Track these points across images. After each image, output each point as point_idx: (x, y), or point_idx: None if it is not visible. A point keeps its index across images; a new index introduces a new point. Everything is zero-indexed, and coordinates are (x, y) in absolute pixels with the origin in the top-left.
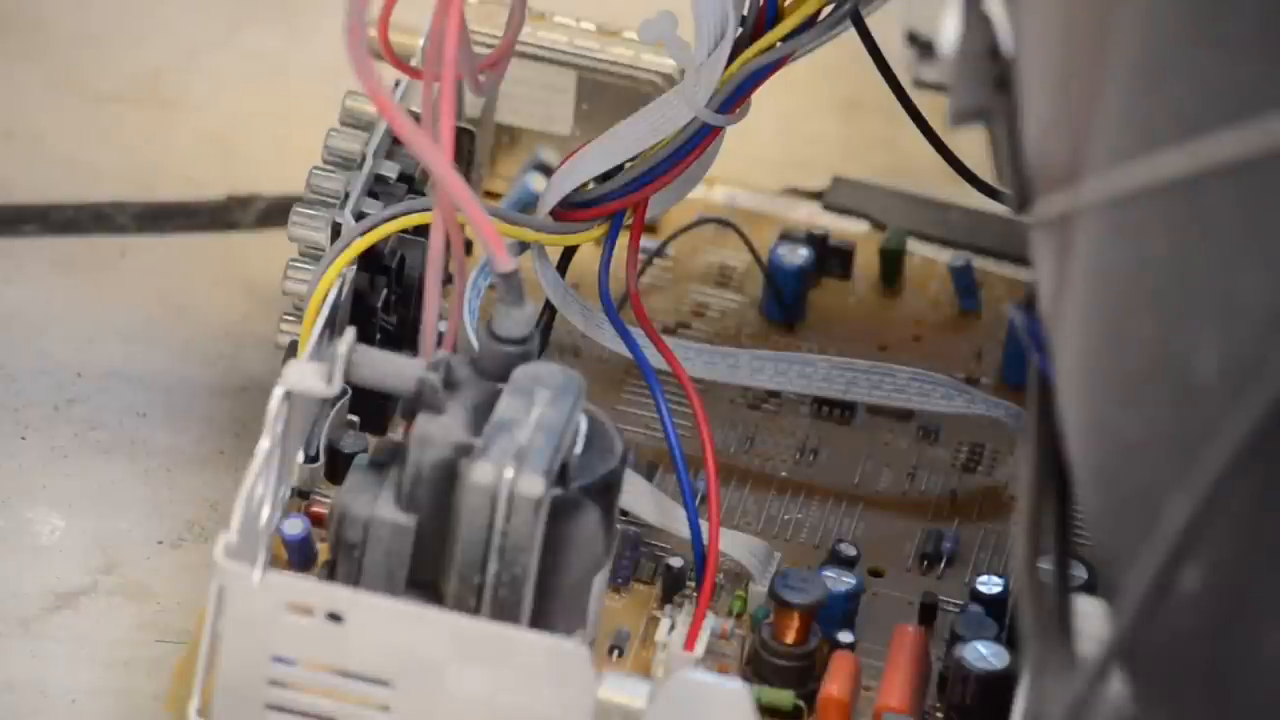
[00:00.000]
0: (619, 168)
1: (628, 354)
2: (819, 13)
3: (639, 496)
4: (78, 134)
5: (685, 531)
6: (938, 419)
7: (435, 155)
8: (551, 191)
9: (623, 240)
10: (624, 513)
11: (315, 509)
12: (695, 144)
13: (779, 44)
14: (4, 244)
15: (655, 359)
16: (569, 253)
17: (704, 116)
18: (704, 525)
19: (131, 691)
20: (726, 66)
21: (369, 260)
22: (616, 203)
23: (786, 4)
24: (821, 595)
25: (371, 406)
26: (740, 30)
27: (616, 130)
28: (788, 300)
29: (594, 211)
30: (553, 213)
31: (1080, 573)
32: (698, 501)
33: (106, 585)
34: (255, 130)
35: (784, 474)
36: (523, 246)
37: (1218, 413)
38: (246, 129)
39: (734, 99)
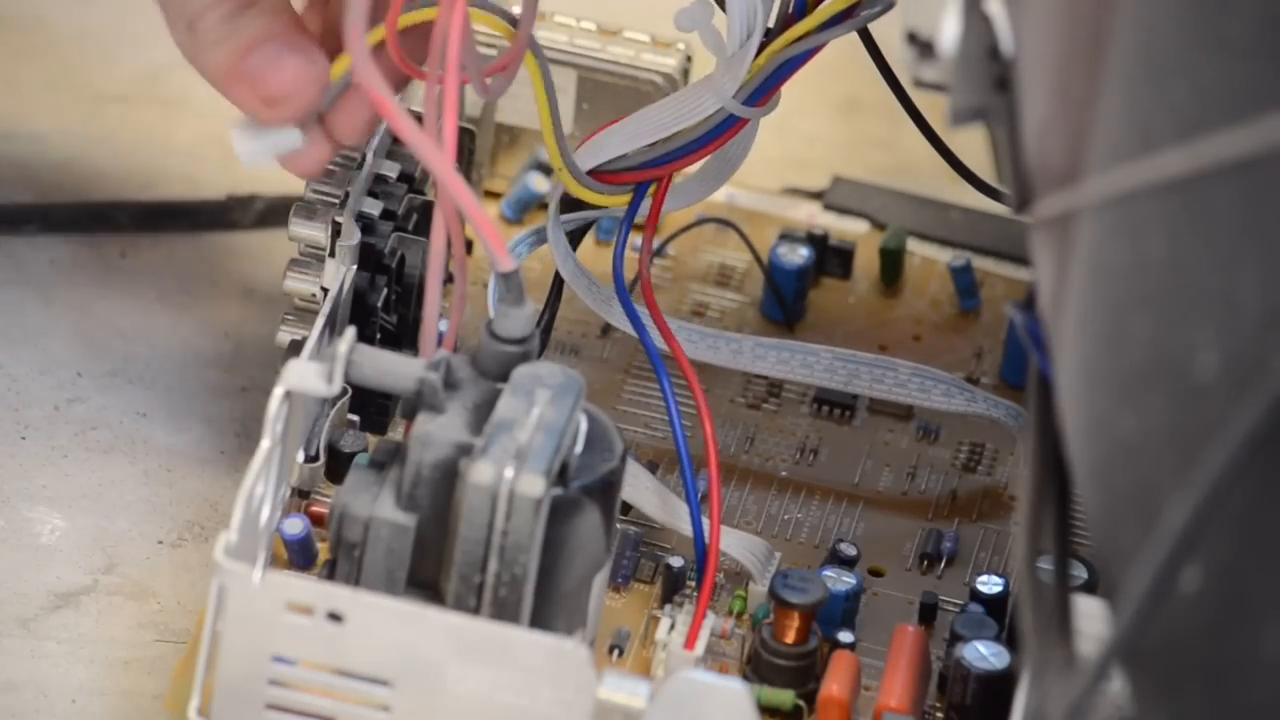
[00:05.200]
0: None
1: (632, 332)
2: (849, 8)
3: (644, 492)
4: (78, 134)
5: (687, 528)
6: (938, 419)
7: (436, 155)
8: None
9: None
10: (624, 511)
11: (315, 509)
12: (721, 131)
13: (807, 37)
14: (4, 244)
15: (659, 343)
16: (580, 232)
17: (730, 107)
18: (704, 524)
19: (131, 691)
20: (755, 59)
21: (369, 260)
22: (645, 172)
23: None
24: (821, 595)
25: (371, 406)
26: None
27: (645, 112)
28: (788, 300)
29: (624, 177)
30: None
31: (1080, 573)
32: (699, 499)
33: (106, 585)
34: None
35: (784, 474)
36: (539, 240)
37: (1218, 412)
38: None
39: (762, 91)
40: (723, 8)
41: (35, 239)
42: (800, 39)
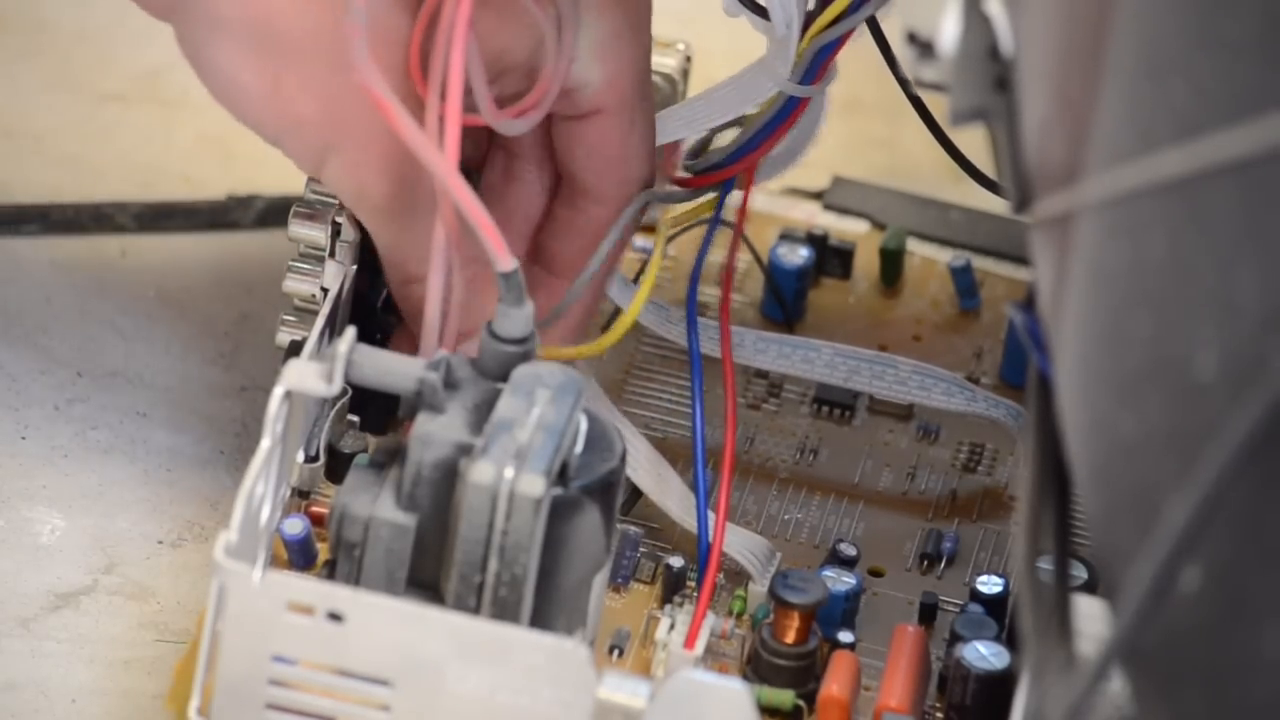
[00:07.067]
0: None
1: (682, 340)
2: None
3: (669, 488)
4: (78, 134)
5: (694, 525)
6: (938, 419)
7: (437, 156)
8: None
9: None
10: (625, 511)
11: (315, 509)
12: (786, 114)
13: (842, 19)
14: (4, 244)
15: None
16: None
17: (788, 90)
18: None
19: (131, 691)
20: (800, 40)
21: (369, 260)
22: (733, 166)
23: None
24: (821, 595)
25: (372, 406)
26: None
27: (702, 96)
28: (788, 300)
29: (714, 176)
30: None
31: (1080, 573)
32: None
33: (106, 585)
34: None
35: (784, 474)
36: None
37: (1217, 412)
38: (246, 129)
39: (814, 69)
40: None
41: (35, 239)
42: (836, 21)
